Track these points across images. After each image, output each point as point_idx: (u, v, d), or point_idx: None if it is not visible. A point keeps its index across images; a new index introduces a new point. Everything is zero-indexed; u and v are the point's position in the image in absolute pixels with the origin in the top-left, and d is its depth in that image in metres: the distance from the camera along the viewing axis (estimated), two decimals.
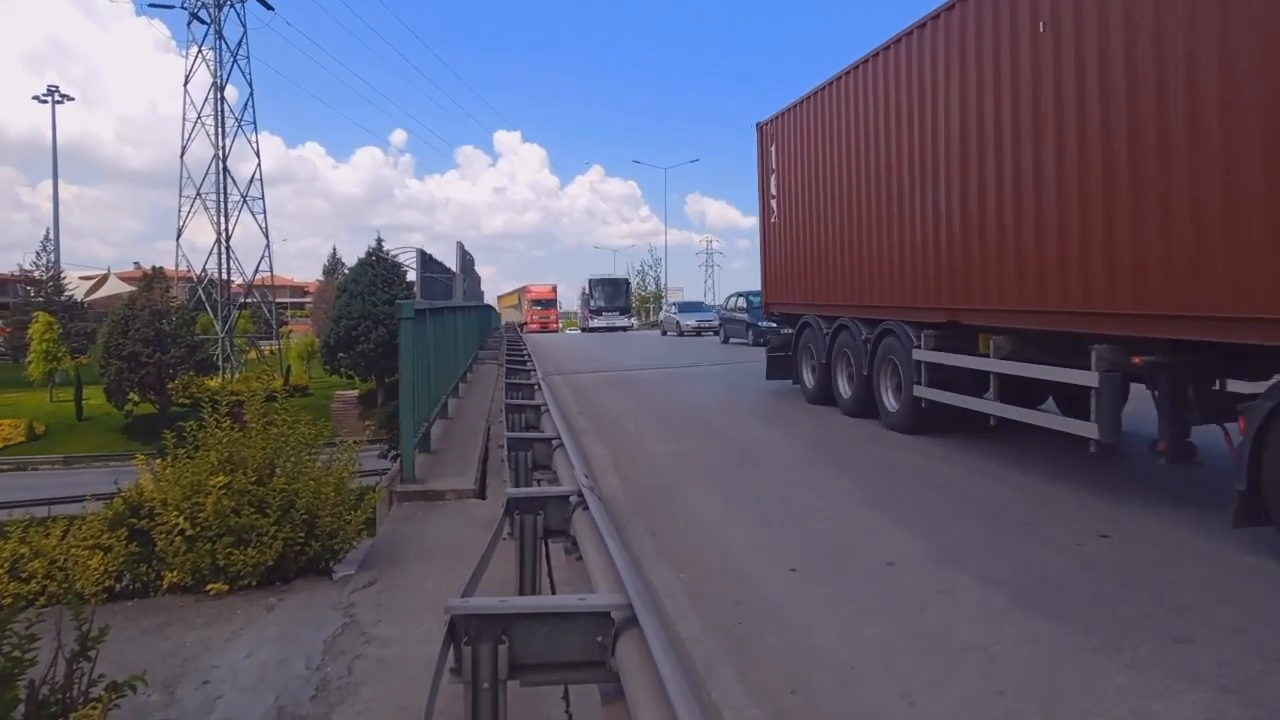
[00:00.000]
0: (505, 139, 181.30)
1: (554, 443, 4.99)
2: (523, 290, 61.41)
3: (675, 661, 1.93)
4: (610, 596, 2.40)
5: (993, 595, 4.61)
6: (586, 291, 52.58)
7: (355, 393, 42.98)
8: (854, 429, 10.10)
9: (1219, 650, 3.83)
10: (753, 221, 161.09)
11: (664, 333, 40.36)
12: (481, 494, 6.74)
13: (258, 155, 54.28)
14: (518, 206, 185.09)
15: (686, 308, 42.06)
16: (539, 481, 4.98)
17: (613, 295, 52.09)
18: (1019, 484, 7.15)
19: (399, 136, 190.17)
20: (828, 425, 10.49)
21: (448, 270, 14.32)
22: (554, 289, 62.05)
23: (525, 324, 54.81)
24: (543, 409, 6.64)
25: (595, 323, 49.40)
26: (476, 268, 24.25)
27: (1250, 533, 5.34)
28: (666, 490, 7.34)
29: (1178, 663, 3.72)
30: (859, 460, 8.46)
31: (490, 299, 41.24)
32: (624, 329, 48.11)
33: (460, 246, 16.17)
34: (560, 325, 61.35)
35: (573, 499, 3.51)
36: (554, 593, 4.02)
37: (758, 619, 4.42)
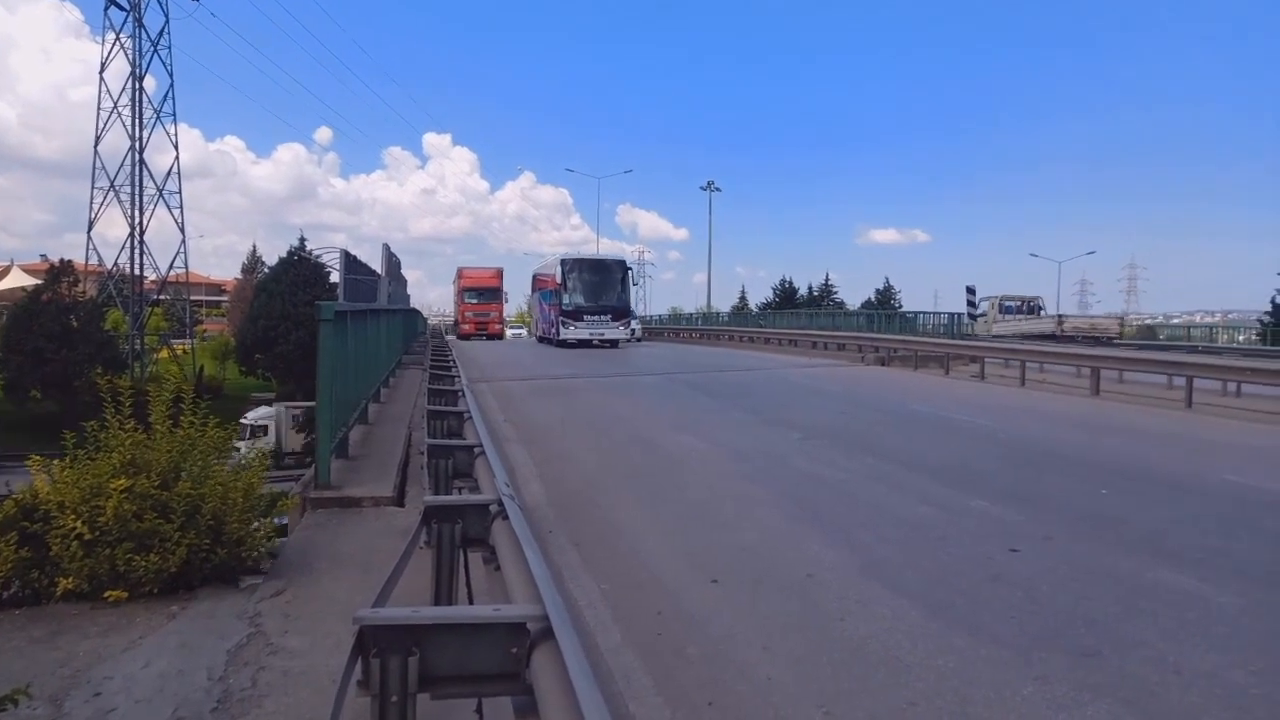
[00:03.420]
0: (435, 141, 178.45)
1: (476, 450, 4.88)
2: (456, 274, 46.95)
3: (590, 673, 1.89)
4: (526, 607, 2.34)
5: (909, 607, 4.69)
6: (558, 280, 31.24)
7: (272, 395, 41.77)
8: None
9: (1122, 664, 3.97)
10: (684, 233, 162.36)
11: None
12: (400, 501, 6.59)
13: (176, 148, 52.29)
14: (447, 210, 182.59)
15: None
16: (460, 490, 4.87)
17: (599, 287, 31.45)
18: (938, 499, 7.31)
19: (324, 134, 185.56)
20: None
21: (373, 272, 14.03)
22: (498, 274, 46.20)
23: (457, 324, 45.00)
24: (466, 416, 6.51)
25: (572, 331, 30.33)
26: (404, 271, 23.86)
27: (1157, 550, 5.56)
28: (592, 499, 7.29)
29: (1083, 675, 3.83)
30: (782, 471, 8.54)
31: (417, 303, 40.46)
32: (614, 343, 31.16)
33: (386, 248, 15.89)
34: (506, 328, 48.11)
35: (493, 508, 3.43)
36: (471, 603, 3.94)
37: (679, 630, 4.41)
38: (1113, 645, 4.19)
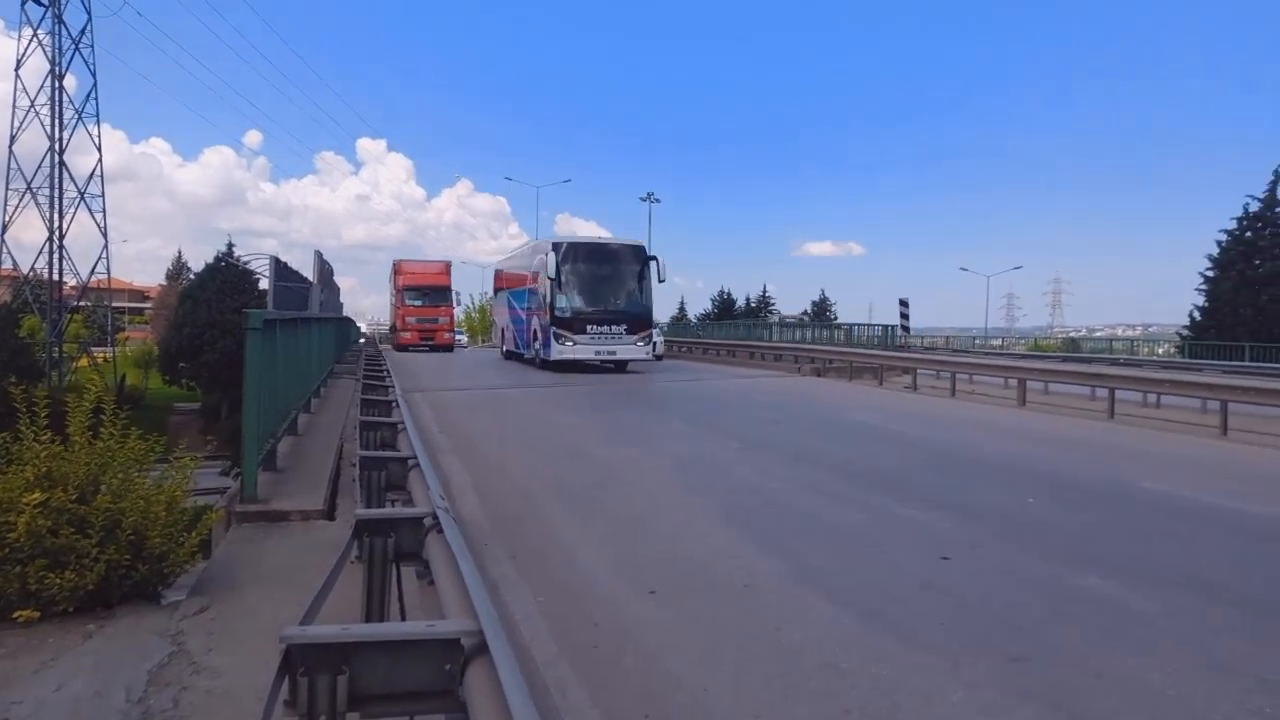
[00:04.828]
0: (369, 146, 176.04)
1: (409, 462, 4.80)
2: (393, 269, 38.96)
3: (524, 688, 1.87)
4: (460, 622, 2.30)
5: (843, 615, 4.75)
6: (546, 274, 22.10)
7: (197, 405, 40.55)
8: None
9: (1047, 668, 4.07)
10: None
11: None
12: (330, 515, 6.43)
13: (99, 149, 50.64)
14: (382, 217, 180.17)
15: None
16: (393, 502, 4.77)
17: (609, 284, 22.91)
18: (871, 507, 7.42)
19: (253, 137, 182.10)
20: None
21: (304, 280, 13.75)
22: (446, 269, 38.72)
23: (394, 330, 38.23)
24: (399, 427, 6.40)
25: (568, 348, 21.99)
26: (337, 278, 23.45)
27: (1080, 557, 5.73)
28: (529, 511, 7.22)
29: (1010, 681, 3.92)
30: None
31: (350, 311, 39.32)
32: (623, 364, 23.22)
33: (318, 255, 15.58)
34: (456, 337, 40.43)
35: (427, 521, 3.37)
36: (404, 619, 3.86)
37: (615, 642, 4.38)
38: (1038, 650, 4.30)
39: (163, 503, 4.97)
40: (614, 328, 22.25)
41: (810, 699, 3.72)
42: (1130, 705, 3.70)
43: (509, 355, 28.58)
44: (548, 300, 22.17)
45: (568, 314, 21.99)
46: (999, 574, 5.61)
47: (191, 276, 46.71)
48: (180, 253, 74.19)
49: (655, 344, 25.46)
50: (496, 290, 32.66)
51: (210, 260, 39.05)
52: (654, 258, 23.17)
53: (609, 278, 22.87)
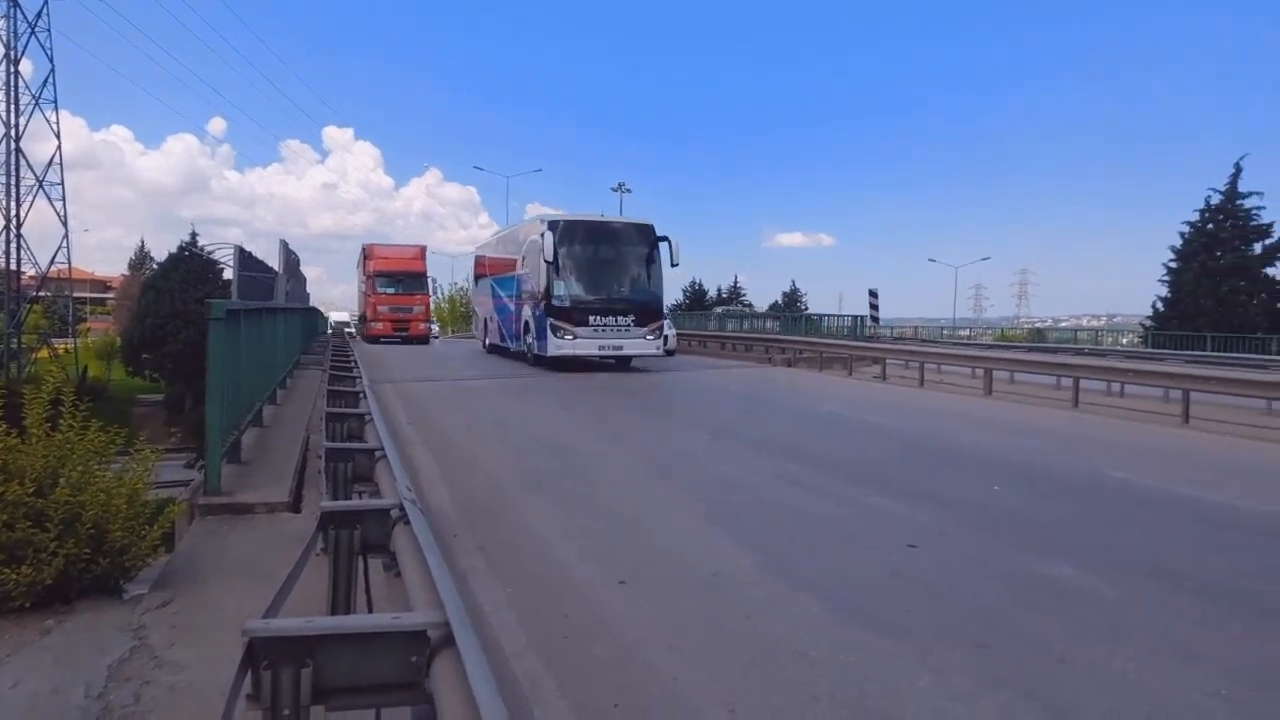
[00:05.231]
0: (336, 135, 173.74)
1: (376, 454, 4.73)
2: (361, 254, 36.01)
3: (491, 679, 1.84)
4: (426, 614, 2.27)
5: (813, 604, 4.77)
6: (542, 257, 19.27)
7: (161, 397, 39.93)
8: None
9: (1013, 655, 4.12)
10: None
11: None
12: (296, 507, 6.35)
13: (58, 136, 49.61)
14: (348, 206, 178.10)
15: None
16: (360, 494, 4.72)
17: (614, 268, 20.33)
18: (842, 497, 7.46)
19: (218, 124, 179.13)
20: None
21: (269, 269, 13.59)
22: (421, 253, 35.72)
23: (364, 321, 35.56)
24: (367, 418, 6.32)
25: (567, 343, 19.27)
26: (303, 268, 23.19)
27: (1047, 544, 5.80)
28: (499, 503, 7.18)
29: (976, 667, 3.96)
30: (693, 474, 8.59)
31: (317, 301, 38.71)
32: (629, 359, 20.63)
33: (284, 245, 15.42)
34: (434, 328, 38.28)
35: (394, 512, 3.33)
36: (371, 611, 3.82)
37: (586, 632, 4.37)
38: (1005, 637, 4.35)
39: (124, 495, 4.89)
40: (620, 319, 19.44)
41: (781, 687, 3.73)
42: (1094, 690, 3.75)
43: (492, 349, 25.82)
44: (543, 287, 19.30)
45: (567, 303, 19.15)
46: (967, 562, 5.66)
47: (154, 266, 45.87)
48: (143, 242, 73.02)
49: (667, 337, 23.44)
50: (477, 277, 29.31)
51: (173, 249, 38.46)
52: (665, 238, 20.15)
53: (614, 261, 20.11)
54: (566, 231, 19.36)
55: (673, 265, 20.29)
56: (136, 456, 5.34)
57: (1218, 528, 6.81)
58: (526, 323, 21.07)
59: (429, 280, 35.48)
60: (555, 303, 19.11)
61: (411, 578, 2.78)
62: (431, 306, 37.51)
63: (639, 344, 19.75)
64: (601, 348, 19.33)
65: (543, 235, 18.91)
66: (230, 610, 4.37)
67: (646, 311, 19.82)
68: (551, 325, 19.09)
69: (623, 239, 20.28)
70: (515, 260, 22.66)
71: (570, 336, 19.01)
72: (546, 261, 18.87)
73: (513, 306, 22.74)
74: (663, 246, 20.16)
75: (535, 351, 20.23)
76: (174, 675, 3.68)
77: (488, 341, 26.80)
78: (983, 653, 4.14)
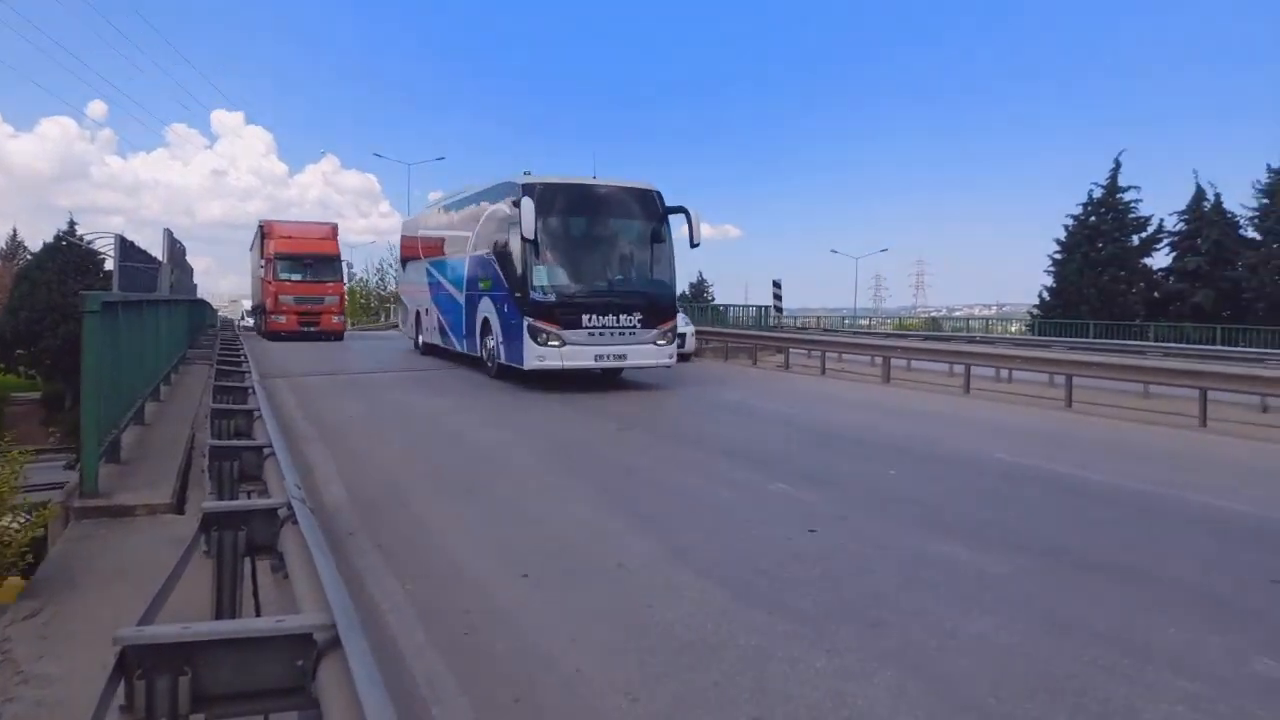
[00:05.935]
0: (225, 119, 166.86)
1: (265, 451, 4.56)
2: (258, 234, 31.03)
3: (379, 680, 1.79)
4: (313, 616, 2.19)
5: (714, 590, 4.82)
6: (526, 238, 13.65)
7: (38, 394, 37.70)
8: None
9: (905, 632, 4.25)
10: None
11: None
12: (180, 509, 6.06)
13: None
14: (240, 193, 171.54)
15: None
16: (248, 494, 4.54)
17: (609, 247, 15.10)
18: (743, 483, 7.56)
19: (98, 108, 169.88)
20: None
21: (153, 260, 12.96)
22: (333, 233, 30.70)
23: (262, 313, 30.09)
24: (255, 414, 6.09)
25: (552, 351, 13.94)
26: (190, 258, 22.22)
27: (937, 524, 6.00)
28: (397, 498, 7.02)
29: (870, 645, 4.08)
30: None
31: (206, 293, 36.97)
32: (626, 369, 16.05)
33: (168, 233, 14.73)
34: (347, 322, 32.09)
35: (281, 512, 3.20)
36: (259, 615, 3.68)
37: (487, 627, 4.31)
38: (897, 615, 4.49)
39: None
40: (623, 318, 14.40)
41: (681, 673, 3.76)
42: (981, 662, 3.90)
43: (429, 349, 20.94)
44: (518, 274, 14.35)
45: (552, 297, 14.06)
46: (862, 544, 5.82)
47: (29, 256, 43.18)
48: (15, 231, 67.95)
49: (687, 334, 19.27)
50: (406, 260, 23.77)
51: (50, 239, 36.23)
52: (681, 209, 15.25)
53: (612, 239, 15.20)
54: (546, 197, 14.07)
55: (693, 245, 15.68)
56: (4, 457, 5.01)
57: (1096, 505, 7.17)
58: (486, 320, 16.14)
59: (343, 265, 29.62)
60: (536, 296, 14.01)
61: (299, 579, 2.68)
62: (345, 297, 31.57)
63: (647, 351, 14.80)
64: (599, 357, 14.42)
65: (518, 204, 13.74)
66: (106, 619, 4.12)
67: (656, 308, 14.88)
68: (531, 327, 14.02)
69: (623, 210, 15.09)
70: (467, 237, 17.48)
71: (557, 343, 13.98)
72: (525, 239, 13.77)
73: (461, 299, 17.77)
74: (676, 220, 15.36)
75: (502, 360, 15.34)
76: (40, 690, 3.45)
77: (421, 340, 21.66)
78: (877, 631, 4.26)
